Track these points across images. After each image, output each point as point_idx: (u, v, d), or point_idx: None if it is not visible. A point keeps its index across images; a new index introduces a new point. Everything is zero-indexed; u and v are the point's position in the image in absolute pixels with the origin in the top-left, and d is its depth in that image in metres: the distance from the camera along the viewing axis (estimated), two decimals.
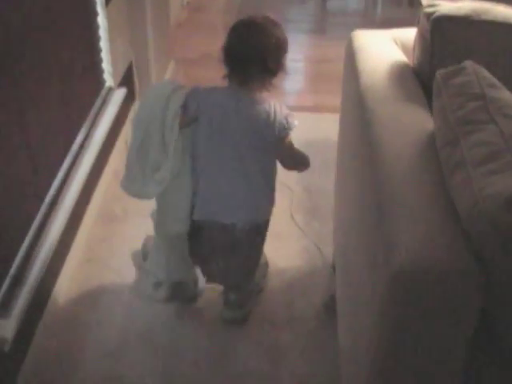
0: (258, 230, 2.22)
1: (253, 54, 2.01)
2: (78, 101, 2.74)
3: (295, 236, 2.81)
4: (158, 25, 3.72)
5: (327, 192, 2.83)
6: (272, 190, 2.23)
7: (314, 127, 3.54)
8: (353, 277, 1.72)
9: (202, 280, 2.40)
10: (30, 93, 2.16)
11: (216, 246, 2.22)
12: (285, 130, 2.07)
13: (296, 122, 2.09)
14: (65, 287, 2.46)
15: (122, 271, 2.56)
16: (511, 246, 1.15)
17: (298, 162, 2.26)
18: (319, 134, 3.48)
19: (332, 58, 4.40)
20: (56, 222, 2.31)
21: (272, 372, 2.20)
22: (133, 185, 2.15)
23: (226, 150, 2.07)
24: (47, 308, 2.29)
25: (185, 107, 2.04)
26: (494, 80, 1.51)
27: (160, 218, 2.24)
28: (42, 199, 2.31)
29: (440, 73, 1.56)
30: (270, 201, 2.24)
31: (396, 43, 2.09)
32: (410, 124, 1.61)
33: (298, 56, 4.76)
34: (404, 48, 2.06)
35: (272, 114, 2.04)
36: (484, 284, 1.21)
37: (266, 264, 2.55)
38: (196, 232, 2.21)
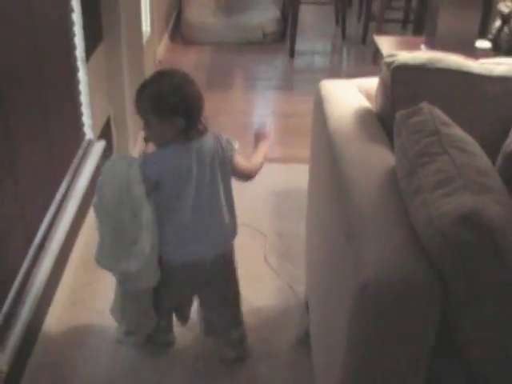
0: (227, 260, 2.33)
1: (188, 107, 2.11)
2: (62, 152, 2.88)
3: (269, 277, 2.95)
4: (134, 81, 3.90)
5: (299, 236, 2.97)
6: (235, 217, 2.31)
7: (283, 177, 3.72)
8: (325, 304, 1.86)
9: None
10: (18, 142, 2.30)
11: (193, 286, 2.34)
12: (232, 149, 2.20)
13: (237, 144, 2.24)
14: (52, 328, 2.57)
15: (106, 313, 2.65)
16: (461, 257, 1.32)
17: (254, 170, 2.33)
18: (289, 183, 3.65)
19: (299, 112, 4.61)
20: (43, 265, 2.44)
21: None
22: (109, 260, 2.19)
23: (190, 194, 2.13)
24: (36, 346, 2.40)
25: (145, 179, 2.08)
26: (447, 119, 1.69)
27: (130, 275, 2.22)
28: (30, 242, 2.43)
29: (399, 113, 1.74)
30: (235, 229, 2.33)
31: (360, 91, 2.27)
32: (373, 160, 1.78)
33: (266, 111, 4.97)
34: (367, 95, 2.24)
35: (220, 140, 2.18)
36: (442, 296, 1.37)
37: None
38: (170, 281, 2.27)
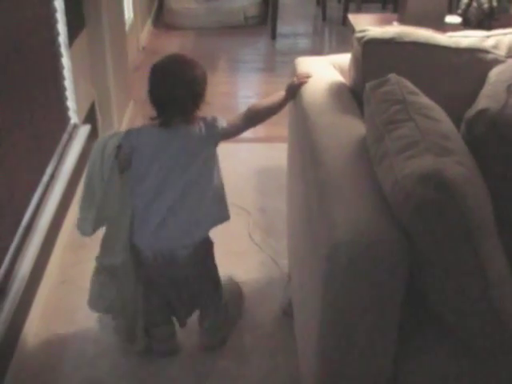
0: (200, 252, 2.27)
1: (168, 98, 2.13)
2: (47, 136, 2.95)
3: (253, 252, 3.03)
4: (118, 67, 3.96)
5: (281, 212, 3.04)
6: (222, 204, 2.31)
7: (266, 156, 3.80)
8: (302, 270, 1.94)
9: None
10: (4, 127, 2.37)
11: (173, 284, 2.34)
12: (215, 125, 2.19)
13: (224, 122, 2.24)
14: (41, 306, 2.65)
15: None
16: (424, 216, 1.40)
17: (257, 119, 2.32)
18: (272, 161, 3.73)
19: None
20: (32, 245, 2.51)
21: (237, 371, 2.40)
22: (82, 222, 2.30)
23: (160, 178, 2.15)
24: (26, 323, 2.47)
25: (119, 147, 2.15)
26: (414, 88, 1.77)
27: (104, 251, 2.34)
28: (18, 223, 2.50)
29: (368, 84, 1.82)
30: (219, 217, 2.31)
31: (334, 67, 2.35)
32: (345, 130, 1.86)
33: (249, 93, 5.04)
34: (341, 70, 2.32)
35: (202, 127, 2.17)
36: (409, 253, 1.45)
37: (241, 295, 2.67)
38: (150, 278, 2.32)
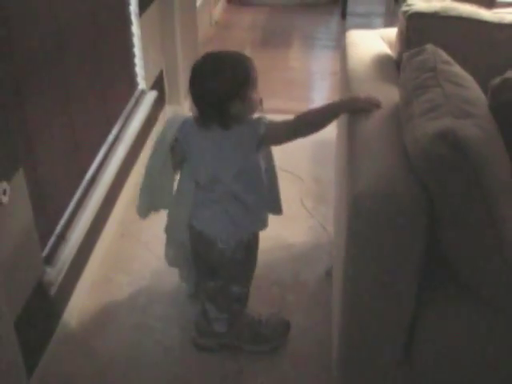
0: (241, 247, 2.22)
1: (199, 100, 2.02)
2: (115, 98, 3.14)
3: (304, 218, 3.16)
4: (187, 39, 4.13)
5: (334, 182, 3.16)
6: (257, 215, 2.23)
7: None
8: (338, 227, 2.06)
9: None
10: (75, 87, 2.56)
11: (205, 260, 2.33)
12: (257, 131, 2.03)
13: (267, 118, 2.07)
14: (101, 255, 2.85)
15: (150, 244, 2.95)
16: (438, 171, 1.51)
17: (315, 123, 2.08)
18: (328, 133, 3.77)
19: None
20: (94, 197, 2.70)
21: None
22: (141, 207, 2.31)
23: (207, 176, 2.14)
24: (85, 270, 2.66)
25: (176, 141, 2.12)
26: (449, 58, 1.87)
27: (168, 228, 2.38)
28: (82, 176, 2.69)
29: (406, 53, 1.93)
30: (249, 226, 2.24)
31: (383, 39, 2.45)
32: (382, 95, 1.97)
33: (315, 69, 5.17)
34: (390, 43, 2.42)
35: (243, 132, 2.04)
36: (427, 206, 1.56)
37: (287, 324, 2.52)
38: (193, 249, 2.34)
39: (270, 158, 2.22)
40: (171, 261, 2.57)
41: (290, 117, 2.05)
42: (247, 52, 4.87)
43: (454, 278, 1.73)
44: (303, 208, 3.23)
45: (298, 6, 6.36)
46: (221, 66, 1.99)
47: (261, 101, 2.05)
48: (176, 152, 2.14)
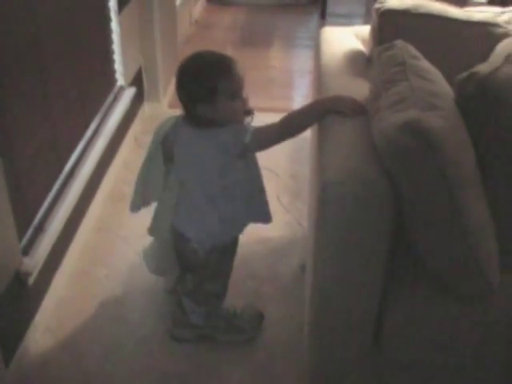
0: (215, 250, 2.26)
1: (180, 99, 2.07)
2: (93, 93, 3.17)
3: (280, 213, 3.21)
4: (166, 37, 4.17)
5: None
6: (219, 220, 2.21)
7: None
8: (309, 220, 2.10)
9: None
10: (53, 81, 2.59)
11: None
12: (240, 139, 2.03)
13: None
14: (78, 248, 2.88)
15: (129, 239, 2.98)
16: (402, 160, 1.56)
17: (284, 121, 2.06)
18: (309, 130, 3.88)
19: None
20: (72, 191, 2.73)
21: None
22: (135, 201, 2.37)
23: (183, 173, 2.19)
24: (63, 262, 2.70)
25: (166, 137, 2.16)
26: (417, 53, 1.92)
27: (153, 224, 2.39)
28: (60, 169, 2.73)
29: (376, 48, 1.98)
30: (227, 229, 2.27)
31: (357, 37, 2.50)
32: (352, 90, 2.01)
33: (294, 67, 5.22)
34: (363, 40, 2.47)
35: (228, 136, 2.04)
36: (392, 193, 1.61)
37: (261, 316, 2.57)
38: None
39: (255, 168, 2.24)
40: (151, 266, 2.55)
41: (272, 116, 2.08)
42: (228, 51, 4.93)
43: (421, 265, 1.77)
44: (279, 204, 3.28)
45: (277, 7, 6.41)
46: (196, 67, 2.03)
47: (248, 111, 2.09)
48: (165, 147, 2.17)
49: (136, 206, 2.36)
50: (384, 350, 1.90)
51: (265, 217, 2.37)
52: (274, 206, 3.22)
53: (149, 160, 2.24)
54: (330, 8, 6.22)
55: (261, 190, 2.31)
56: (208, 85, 1.99)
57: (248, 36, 5.70)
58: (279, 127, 2.04)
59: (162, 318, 2.56)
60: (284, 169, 3.57)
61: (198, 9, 6.05)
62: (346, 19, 6.33)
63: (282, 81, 4.93)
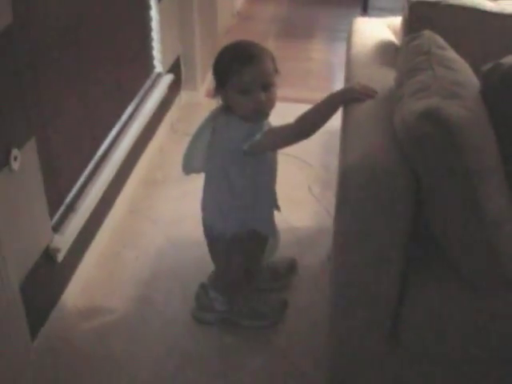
0: (236, 242, 2.28)
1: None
2: (131, 78, 3.23)
3: (310, 203, 3.23)
4: (206, 27, 4.21)
5: None
6: (220, 211, 2.26)
7: (336, 115, 3.96)
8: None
9: None
10: (91, 64, 2.65)
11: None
12: (258, 130, 2.05)
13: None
14: (109, 229, 2.94)
15: (159, 222, 3.03)
16: (419, 146, 1.57)
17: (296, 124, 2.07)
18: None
19: None
20: (104, 174, 2.79)
21: None
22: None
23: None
24: (93, 243, 2.75)
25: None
26: (444, 44, 1.92)
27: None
28: (95, 151, 2.79)
29: (404, 38, 1.99)
30: (219, 218, 2.28)
31: (389, 28, 2.51)
32: (380, 79, 2.03)
33: (333, 59, 5.22)
34: (395, 32, 2.48)
35: (244, 130, 2.07)
36: (412, 179, 1.62)
37: (285, 303, 2.60)
38: None
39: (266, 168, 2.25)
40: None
41: (306, 106, 2.08)
42: (269, 43, 4.96)
43: (439, 256, 1.78)
44: (310, 194, 3.30)
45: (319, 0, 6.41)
46: (221, 51, 2.13)
47: (262, 112, 2.08)
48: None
49: (185, 169, 2.34)
50: (402, 341, 1.90)
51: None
52: (304, 195, 3.28)
53: (200, 126, 2.25)
54: (372, 2, 6.19)
55: (268, 191, 2.32)
56: (220, 72, 2.09)
57: (289, 28, 5.71)
58: (295, 127, 2.05)
59: (187, 300, 2.60)
60: (316, 159, 3.58)
61: (240, 1, 6.07)
62: (389, 13, 6.27)
63: (321, 73, 4.93)
